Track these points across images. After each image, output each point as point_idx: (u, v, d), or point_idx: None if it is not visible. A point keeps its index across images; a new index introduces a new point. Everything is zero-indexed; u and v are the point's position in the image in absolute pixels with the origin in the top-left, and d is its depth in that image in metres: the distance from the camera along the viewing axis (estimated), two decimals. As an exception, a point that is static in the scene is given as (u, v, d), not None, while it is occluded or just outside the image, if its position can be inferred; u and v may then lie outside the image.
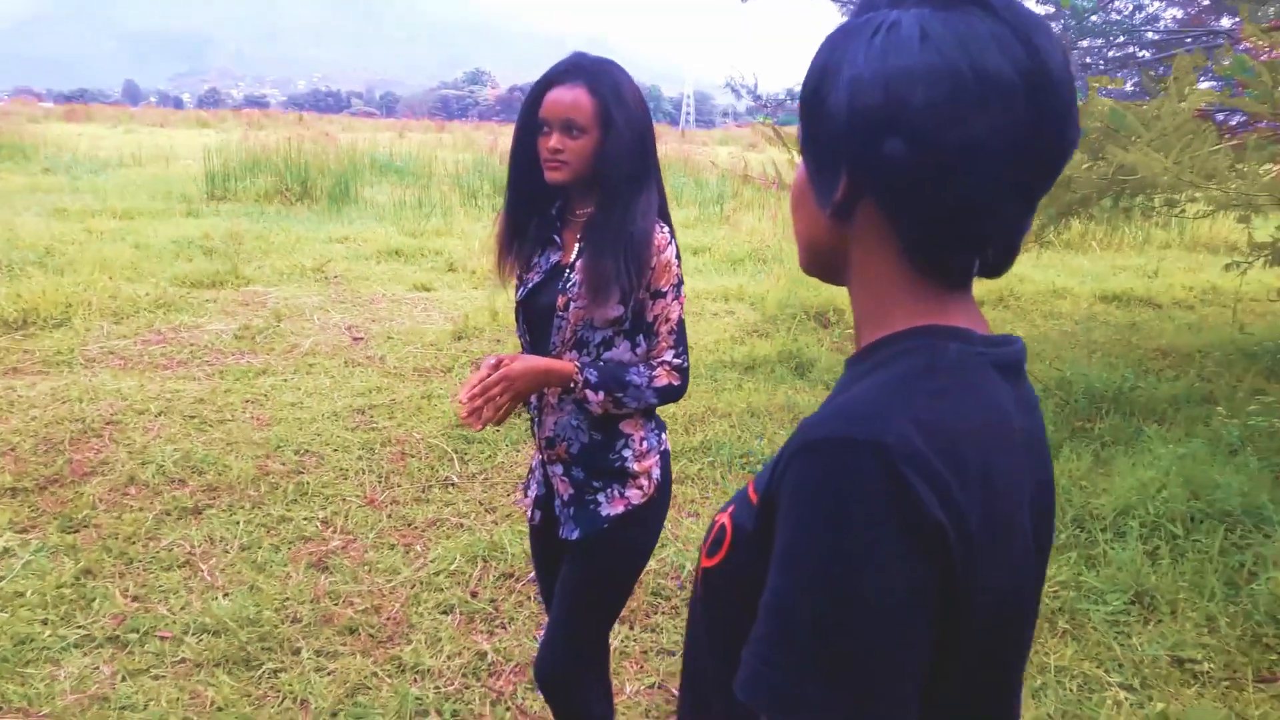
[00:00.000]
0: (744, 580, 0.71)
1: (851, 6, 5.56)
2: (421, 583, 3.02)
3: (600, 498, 1.79)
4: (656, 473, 1.83)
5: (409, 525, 3.46)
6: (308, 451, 4.04)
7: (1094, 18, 6.19)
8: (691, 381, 5.40)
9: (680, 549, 3.28)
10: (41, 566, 2.90)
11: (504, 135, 25.61)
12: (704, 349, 6.02)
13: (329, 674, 2.53)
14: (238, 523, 3.35)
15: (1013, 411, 0.70)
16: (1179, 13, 6.00)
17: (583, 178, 1.69)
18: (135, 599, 2.81)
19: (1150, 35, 5.96)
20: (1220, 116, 4.58)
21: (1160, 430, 4.30)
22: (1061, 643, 2.80)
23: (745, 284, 7.99)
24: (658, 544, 3.29)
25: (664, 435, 1.87)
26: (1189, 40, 5.03)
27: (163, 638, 2.60)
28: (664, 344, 1.75)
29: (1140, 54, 5.73)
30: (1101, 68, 5.53)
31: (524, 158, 1.72)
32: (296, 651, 2.59)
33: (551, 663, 1.83)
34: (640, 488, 1.80)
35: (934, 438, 0.62)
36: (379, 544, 3.29)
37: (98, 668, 2.45)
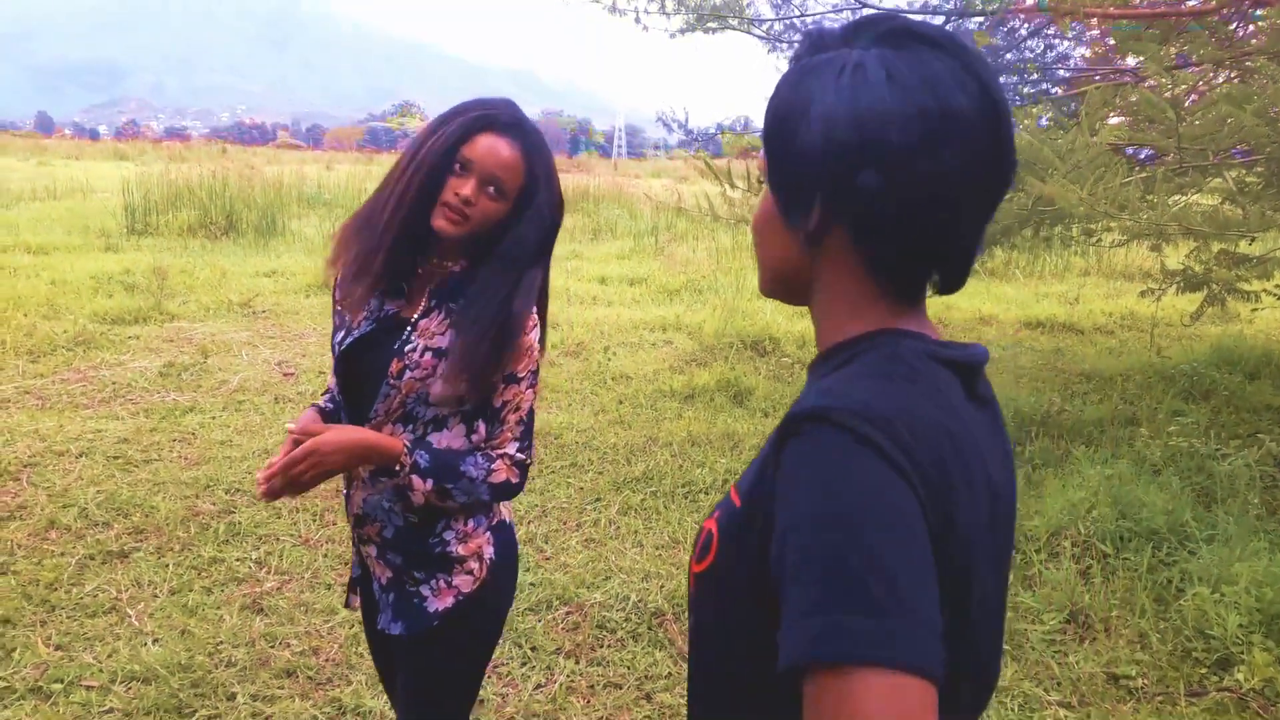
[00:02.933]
0: (734, 580, 0.76)
1: (779, 45, 5.73)
2: (360, 622, 2.94)
3: (424, 590, 1.55)
4: (489, 551, 1.59)
5: (345, 564, 3.37)
6: (239, 490, 3.92)
7: (1008, 55, 6.48)
8: (632, 411, 5.43)
9: (624, 580, 3.26)
10: (-45, 617, 2.75)
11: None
12: (643, 378, 6.04)
13: (266, 719, 2.43)
14: (167, 565, 3.22)
15: (960, 401, 0.77)
16: (1088, 52, 6.31)
17: (470, 239, 1.49)
18: (59, 647, 2.67)
19: (1062, 72, 6.26)
20: (1130, 150, 4.83)
21: (1088, 452, 4.45)
22: (1002, 663, 2.85)
23: (682, 314, 8.06)
24: (602, 577, 3.29)
25: (498, 505, 1.64)
26: (1098, 77, 5.30)
27: (89, 687, 2.47)
28: (508, 434, 1.53)
29: (1053, 90, 6.00)
30: (1017, 103, 5.79)
31: (427, 191, 1.45)
32: (232, 697, 2.49)
33: None
34: (470, 572, 1.57)
35: (891, 412, 0.68)
36: (315, 584, 3.20)
37: (18, 722, 2.32)
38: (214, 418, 4.85)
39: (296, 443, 1.44)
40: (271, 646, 2.74)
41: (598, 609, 3.06)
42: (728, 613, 0.79)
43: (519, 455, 1.54)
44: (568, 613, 3.05)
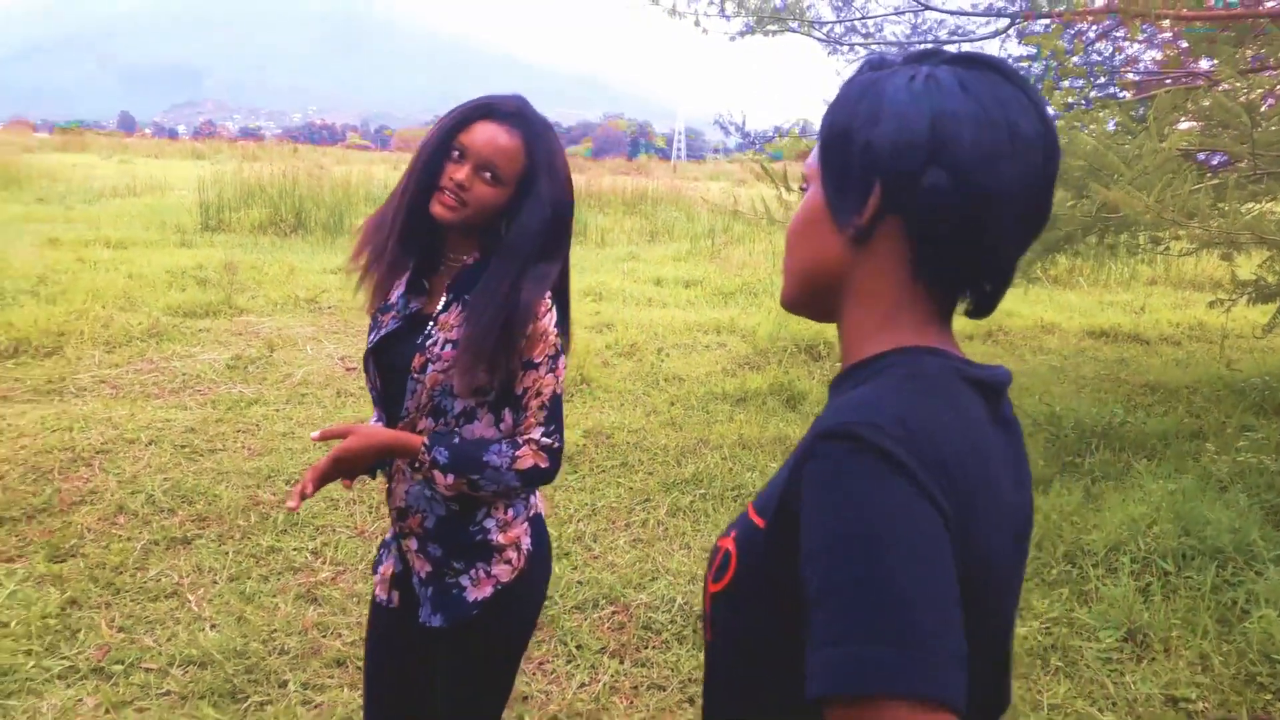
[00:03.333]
0: (753, 600, 0.77)
1: (839, 47, 5.67)
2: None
3: (464, 580, 1.57)
4: (527, 541, 1.61)
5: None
6: (299, 481, 4.01)
7: (1075, 58, 6.32)
8: (684, 412, 5.44)
9: (671, 582, 3.27)
10: (27, 596, 2.88)
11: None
12: (695, 380, 6.04)
13: (316, 707, 2.50)
14: (227, 553, 3.33)
15: (984, 419, 0.77)
16: (1158, 55, 6.12)
17: (471, 228, 1.51)
18: (121, 630, 2.78)
19: (1130, 76, 6.08)
20: (1201, 156, 4.67)
21: (1150, 466, 4.32)
22: (1055, 680, 2.79)
23: (736, 317, 8.03)
24: (649, 578, 3.30)
25: (534, 498, 1.67)
26: (1168, 81, 5.14)
27: (148, 669, 2.57)
28: (532, 419, 1.53)
29: (1121, 94, 5.84)
30: (1083, 106, 5.64)
31: (427, 176, 1.48)
32: (284, 684, 2.56)
33: None
34: (509, 562, 1.59)
35: (916, 428, 0.68)
36: (368, 575, 3.27)
37: (81, 700, 2.42)
38: (277, 410, 4.99)
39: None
40: (324, 636, 2.81)
41: (644, 609, 3.08)
42: (749, 633, 0.79)
43: (545, 440, 1.54)
44: (614, 612, 3.07)
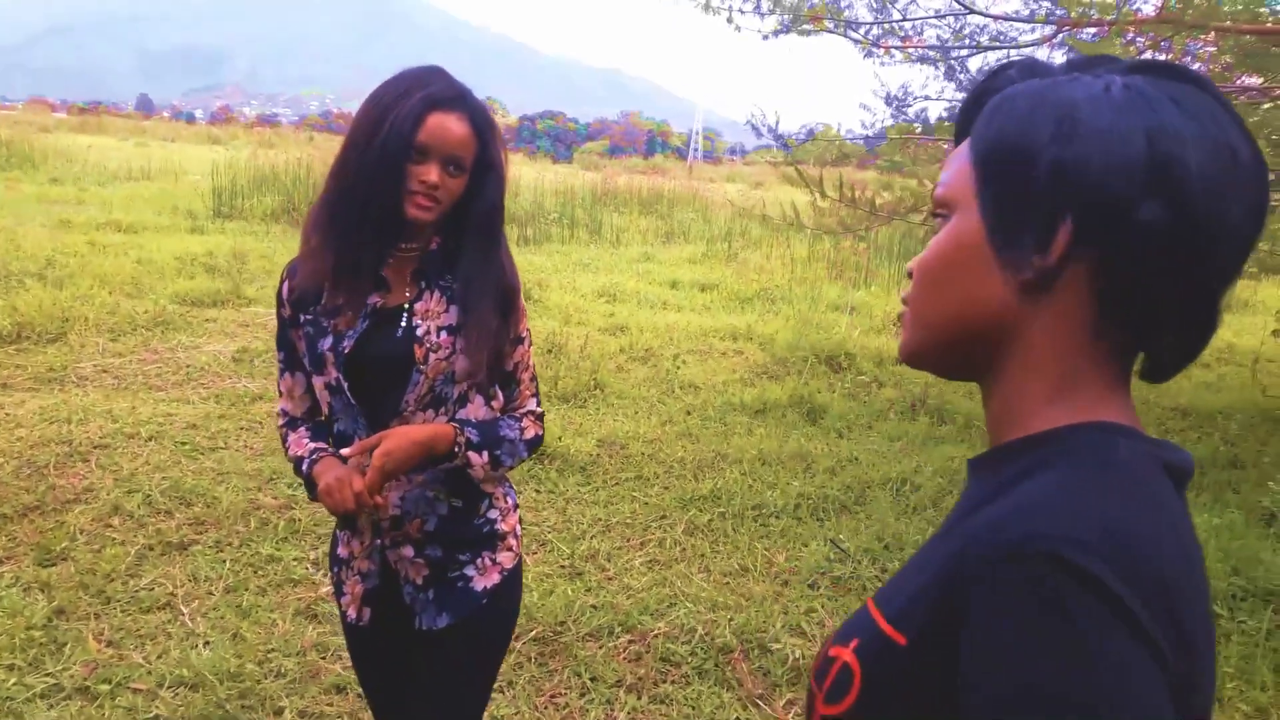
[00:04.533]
0: None
1: (875, 50, 5.47)
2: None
3: (469, 571, 1.58)
4: (518, 528, 1.67)
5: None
6: (300, 485, 3.86)
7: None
8: (700, 423, 5.26)
9: (690, 610, 3.10)
10: (13, 604, 2.71)
11: (513, 163, 25.67)
12: (712, 389, 5.87)
13: (313, 737, 2.34)
14: (224, 561, 3.17)
15: (1188, 519, 0.62)
16: (1212, 66, 5.92)
17: (442, 218, 1.49)
18: (110, 644, 2.62)
19: None
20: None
21: (1190, 497, 4.13)
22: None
23: (754, 323, 7.86)
24: (666, 604, 3.13)
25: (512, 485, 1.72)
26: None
27: (136, 690, 2.41)
28: (526, 391, 1.62)
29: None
30: None
31: (391, 182, 1.41)
32: (279, 711, 2.40)
33: None
34: (510, 549, 1.63)
35: (1128, 542, 0.53)
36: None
37: (63, 724, 2.27)
38: (282, 407, 4.84)
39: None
40: (323, 658, 2.64)
41: (662, 639, 2.90)
42: None
43: (538, 409, 1.63)
44: (630, 641, 2.90)
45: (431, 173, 1.41)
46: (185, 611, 2.83)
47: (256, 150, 17.93)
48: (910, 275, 0.71)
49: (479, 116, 1.47)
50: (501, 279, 1.51)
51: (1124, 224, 0.57)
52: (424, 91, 1.42)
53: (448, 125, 1.42)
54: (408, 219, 1.44)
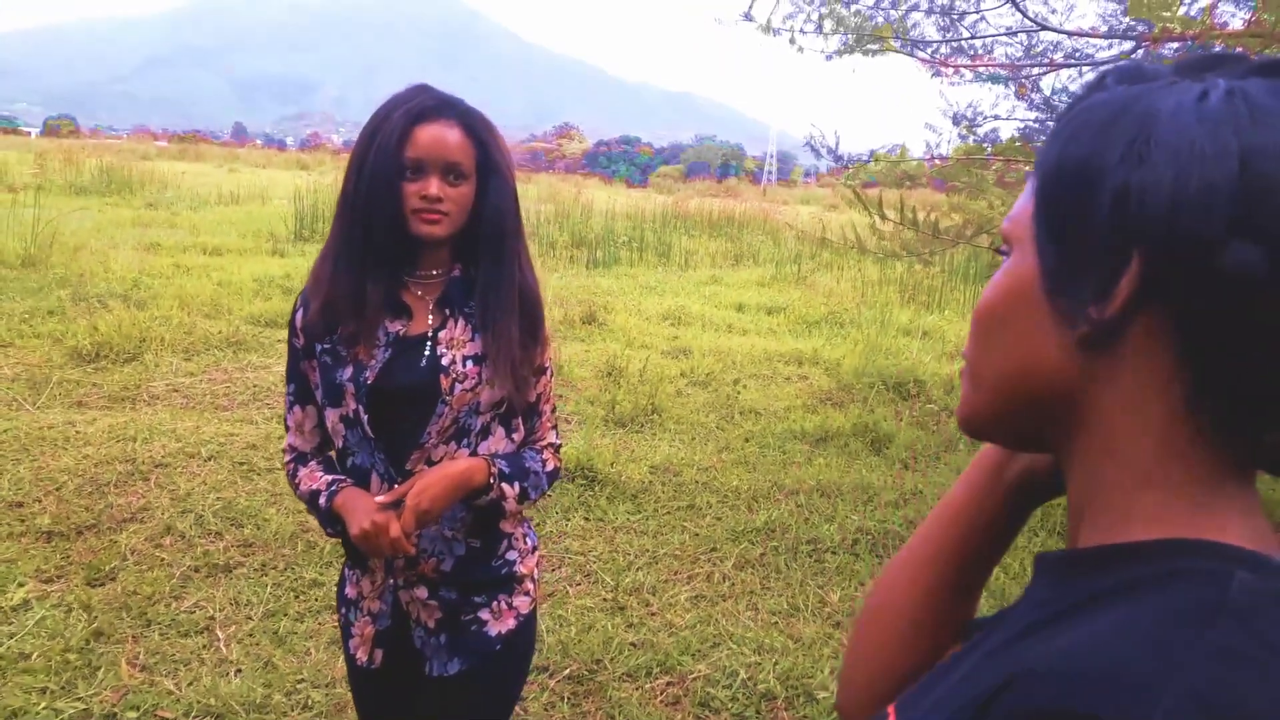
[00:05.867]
0: None
1: (943, 70, 5.29)
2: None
3: (484, 614, 1.53)
4: (536, 571, 1.61)
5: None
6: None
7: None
8: (758, 451, 5.12)
9: (734, 651, 2.96)
10: (55, 625, 2.75)
11: (587, 188, 25.91)
12: (773, 415, 5.72)
13: (336, 773, 2.29)
14: (266, 585, 3.17)
15: None
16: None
17: (457, 232, 1.43)
18: (143, 669, 2.62)
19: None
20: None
21: None
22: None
23: (820, 347, 7.67)
24: (710, 644, 3.00)
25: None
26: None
27: (161, 719, 2.40)
28: (547, 424, 1.58)
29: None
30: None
31: (389, 205, 1.38)
32: (302, 746, 2.36)
33: None
34: (528, 593, 1.58)
35: None
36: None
37: (87, 751, 2.27)
38: (339, 429, 4.88)
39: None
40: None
41: (702, 683, 2.78)
42: None
43: (556, 441, 1.59)
44: (668, 684, 2.78)
45: (430, 185, 1.37)
46: (221, 637, 2.82)
47: (339, 175, 18.48)
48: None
49: (471, 121, 1.42)
50: (524, 290, 1.46)
51: (1204, 271, 0.45)
52: (405, 107, 1.38)
53: (435, 134, 1.37)
54: (419, 237, 1.40)
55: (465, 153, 1.39)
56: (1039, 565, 0.53)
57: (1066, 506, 0.56)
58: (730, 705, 2.68)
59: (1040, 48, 4.96)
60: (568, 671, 2.78)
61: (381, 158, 1.36)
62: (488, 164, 1.42)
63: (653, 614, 3.21)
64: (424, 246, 1.43)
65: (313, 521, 3.67)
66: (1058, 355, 0.51)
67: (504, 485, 1.45)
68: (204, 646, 2.77)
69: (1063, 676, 0.42)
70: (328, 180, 15.64)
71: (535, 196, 21.79)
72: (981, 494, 0.69)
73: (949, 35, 4.88)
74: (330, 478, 1.48)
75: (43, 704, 2.38)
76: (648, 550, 3.72)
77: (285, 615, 2.99)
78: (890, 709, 0.56)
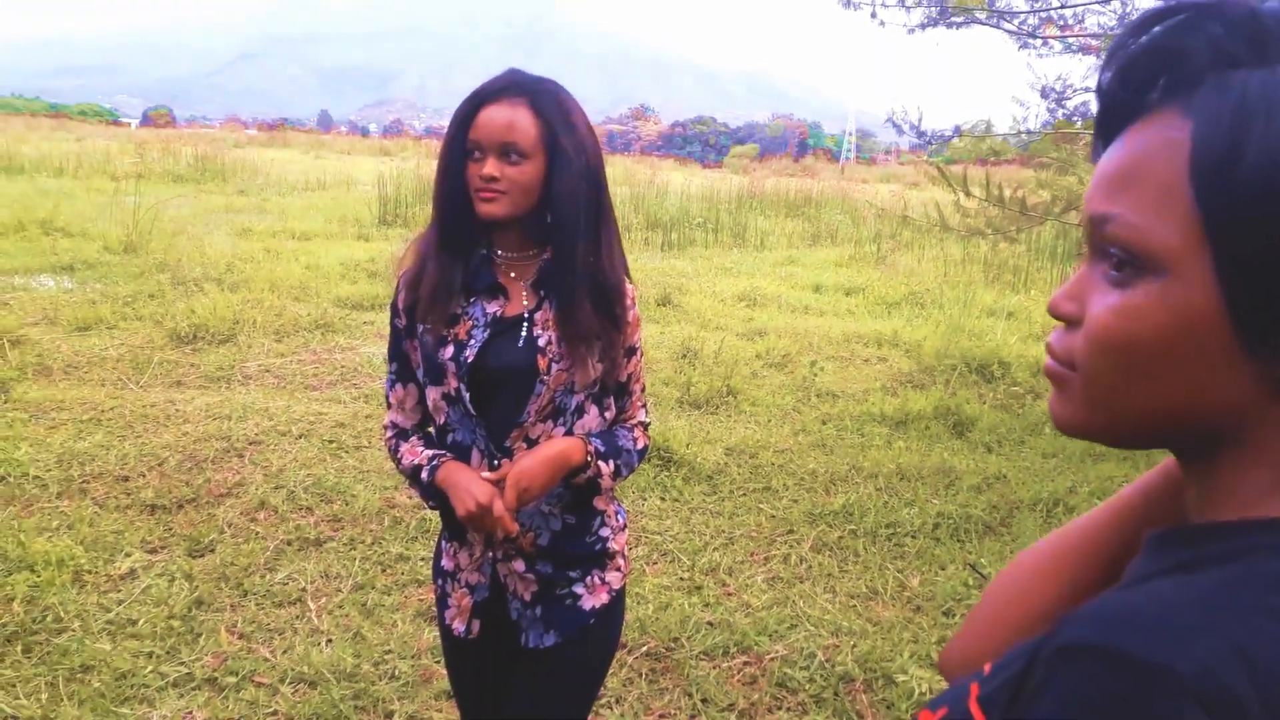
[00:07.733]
0: None
1: (1030, 41, 5.09)
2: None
3: (578, 589, 1.57)
4: (627, 549, 1.66)
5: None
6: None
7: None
8: (836, 434, 5.06)
9: (811, 633, 2.95)
10: (159, 593, 2.91)
11: (663, 169, 25.83)
12: (851, 398, 5.64)
13: (421, 741, 2.37)
14: (354, 559, 3.29)
15: None
16: None
17: (524, 213, 1.44)
18: (241, 636, 2.75)
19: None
20: None
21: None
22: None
23: (900, 328, 7.52)
24: (787, 625, 3.00)
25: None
26: None
27: (259, 684, 2.52)
28: (638, 402, 1.61)
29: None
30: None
31: (453, 187, 1.44)
32: (390, 715, 2.43)
33: None
34: (619, 569, 1.62)
35: (1264, 678, 0.38)
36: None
37: (190, 712, 2.38)
38: (422, 409, 5.00)
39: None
40: (436, 662, 2.67)
41: (779, 663, 2.78)
42: None
43: (646, 419, 1.63)
44: (745, 663, 2.79)
45: (487, 165, 1.40)
46: (313, 608, 2.94)
47: (421, 161, 18.84)
48: (1056, 316, 0.53)
49: (538, 100, 1.42)
50: (594, 275, 1.45)
51: None
52: (475, 91, 1.43)
53: (494, 115, 1.40)
54: (484, 218, 1.43)
55: (522, 132, 1.40)
56: (1145, 542, 0.52)
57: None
58: (808, 686, 2.68)
59: (1135, 15, 4.73)
60: (645, 648, 2.81)
61: (451, 142, 1.42)
62: (554, 143, 1.42)
63: (729, 594, 3.22)
64: (493, 227, 1.47)
65: (399, 497, 3.79)
66: (1235, 394, 0.46)
67: (600, 463, 1.48)
68: (297, 617, 2.89)
69: (1101, 618, 0.42)
70: (410, 166, 15.97)
71: (610, 179, 21.82)
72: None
73: (1038, 5, 4.70)
74: (431, 453, 1.52)
75: (149, 668, 2.52)
76: (723, 531, 3.73)
77: (373, 588, 3.10)
78: (971, 688, 0.56)
